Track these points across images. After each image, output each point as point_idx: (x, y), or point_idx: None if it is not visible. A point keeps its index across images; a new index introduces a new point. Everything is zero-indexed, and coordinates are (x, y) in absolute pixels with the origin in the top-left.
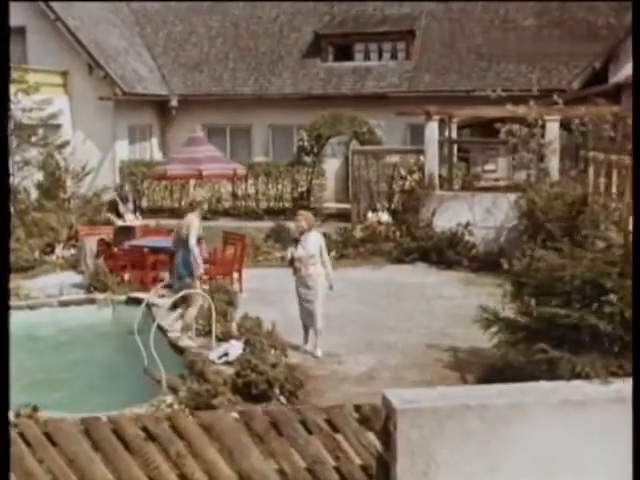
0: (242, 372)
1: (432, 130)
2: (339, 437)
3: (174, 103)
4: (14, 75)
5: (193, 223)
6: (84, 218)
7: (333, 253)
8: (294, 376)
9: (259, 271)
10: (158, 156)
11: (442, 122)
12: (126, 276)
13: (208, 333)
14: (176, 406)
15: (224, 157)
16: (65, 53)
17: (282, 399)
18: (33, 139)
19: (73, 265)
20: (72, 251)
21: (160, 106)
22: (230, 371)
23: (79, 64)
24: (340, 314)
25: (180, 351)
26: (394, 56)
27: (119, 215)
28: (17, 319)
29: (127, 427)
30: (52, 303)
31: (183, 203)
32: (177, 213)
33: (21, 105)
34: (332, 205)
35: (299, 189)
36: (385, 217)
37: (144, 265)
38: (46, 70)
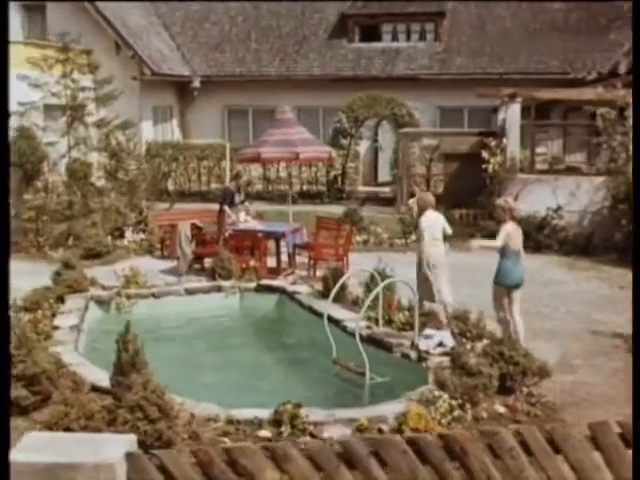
0: (496, 364)
1: (514, 113)
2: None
3: (196, 84)
4: (65, 55)
5: None
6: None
7: (413, 237)
8: (541, 366)
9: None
10: (179, 137)
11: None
12: (252, 262)
13: (387, 323)
14: (447, 400)
15: (317, 139)
16: (88, 32)
17: (524, 391)
18: (89, 119)
19: (148, 250)
20: (142, 235)
21: (180, 87)
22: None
23: (105, 43)
24: (464, 299)
25: (373, 342)
26: (422, 37)
27: (233, 204)
28: (142, 308)
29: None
30: (178, 291)
31: (213, 186)
32: (207, 197)
33: (80, 84)
34: (361, 188)
35: (333, 172)
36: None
37: (255, 250)
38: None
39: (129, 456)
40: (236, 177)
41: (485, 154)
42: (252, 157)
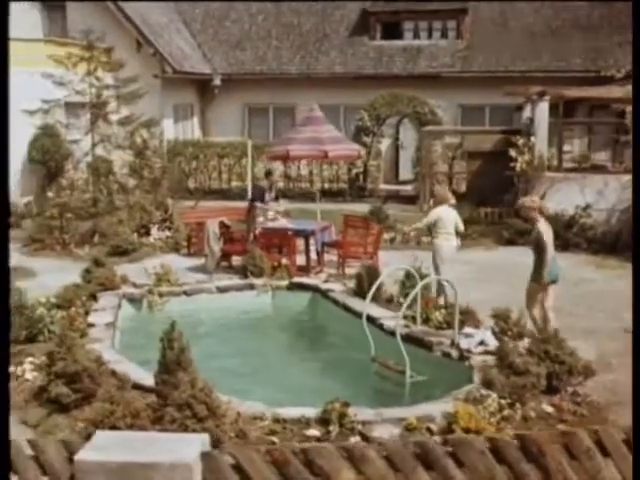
0: (542, 363)
1: (542, 111)
2: None
3: (217, 82)
4: (90, 53)
5: None
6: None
7: None
8: (586, 365)
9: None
10: (199, 136)
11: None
12: (283, 260)
13: (424, 321)
14: (497, 400)
15: (345, 137)
16: (109, 30)
17: (569, 390)
18: (113, 117)
19: (174, 248)
20: (168, 233)
21: (201, 84)
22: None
23: (126, 41)
24: (499, 298)
25: (412, 340)
26: (444, 35)
27: (263, 202)
28: (175, 306)
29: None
30: (210, 289)
31: (234, 184)
32: (227, 194)
33: (103, 82)
34: (382, 187)
35: (355, 170)
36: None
37: (283, 248)
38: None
39: (204, 455)
40: (267, 175)
41: (513, 152)
42: (281, 155)
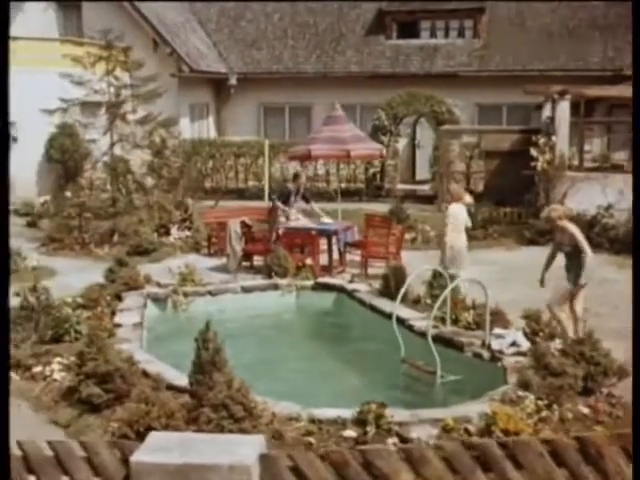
0: (577, 364)
1: (563, 110)
2: None
3: (233, 81)
4: (109, 52)
5: None
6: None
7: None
8: (621, 367)
9: None
10: (214, 135)
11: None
12: (308, 260)
13: (453, 322)
14: (534, 401)
15: (367, 136)
16: (125, 29)
17: (604, 391)
18: (131, 117)
19: (194, 247)
20: (187, 232)
21: (216, 84)
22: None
23: (142, 40)
24: (525, 299)
25: (442, 340)
26: (461, 34)
27: (287, 204)
28: (199, 306)
29: None
30: (235, 289)
31: (250, 184)
32: (244, 194)
33: (121, 82)
34: (399, 186)
35: (372, 170)
36: (468, 199)
37: (305, 248)
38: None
39: (263, 457)
40: (295, 178)
41: (534, 151)
42: (302, 154)
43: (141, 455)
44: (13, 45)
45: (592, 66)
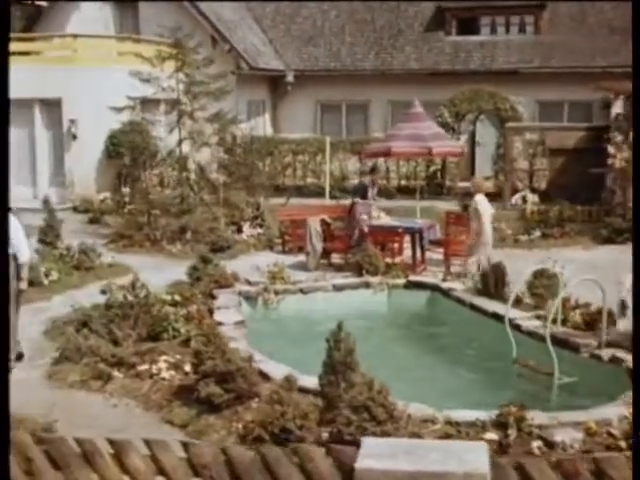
0: None
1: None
2: None
3: (290, 78)
4: (178, 50)
5: None
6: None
7: (537, 233)
8: None
9: None
10: (270, 132)
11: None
12: (398, 258)
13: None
14: None
15: (445, 134)
16: (184, 27)
17: None
18: (200, 114)
19: (268, 245)
20: (259, 230)
21: (272, 81)
22: None
23: (200, 37)
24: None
25: (554, 341)
26: (522, 30)
27: (365, 199)
28: (290, 304)
29: None
30: (326, 287)
31: (309, 181)
32: (302, 191)
33: (191, 79)
34: (460, 184)
35: (433, 167)
36: (531, 197)
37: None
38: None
39: (493, 464)
40: (372, 172)
41: (611, 149)
42: (382, 151)
43: (367, 462)
44: (74, 43)
45: None
